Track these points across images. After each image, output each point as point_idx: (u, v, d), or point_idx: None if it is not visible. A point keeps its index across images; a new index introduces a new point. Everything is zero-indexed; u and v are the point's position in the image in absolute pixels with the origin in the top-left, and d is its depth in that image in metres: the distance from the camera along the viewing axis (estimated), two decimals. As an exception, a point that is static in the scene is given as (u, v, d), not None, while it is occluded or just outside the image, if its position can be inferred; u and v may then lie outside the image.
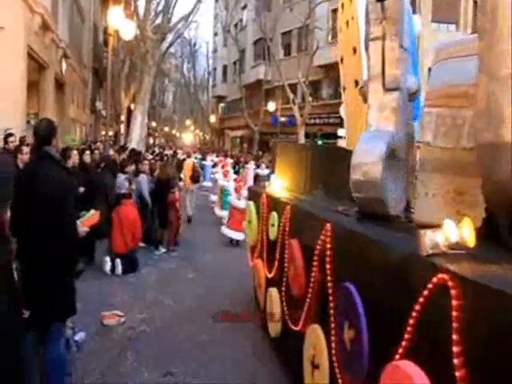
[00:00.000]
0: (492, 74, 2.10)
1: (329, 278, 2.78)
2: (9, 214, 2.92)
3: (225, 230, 9.46)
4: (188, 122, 62.81)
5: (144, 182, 8.29)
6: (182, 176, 12.52)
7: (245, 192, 8.81)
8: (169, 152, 22.77)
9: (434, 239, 1.81)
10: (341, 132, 14.80)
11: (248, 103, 32.95)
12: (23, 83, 11.85)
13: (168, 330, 4.91)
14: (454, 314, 1.54)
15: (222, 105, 45.96)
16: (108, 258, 6.86)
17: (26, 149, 5.93)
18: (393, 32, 3.06)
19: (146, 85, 17.02)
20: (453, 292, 1.57)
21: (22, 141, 7.71)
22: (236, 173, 15.95)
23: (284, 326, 3.93)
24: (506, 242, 2.16)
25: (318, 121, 26.38)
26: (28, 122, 12.42)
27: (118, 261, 6.80)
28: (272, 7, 31.66)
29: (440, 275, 1.65)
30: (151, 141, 46.41)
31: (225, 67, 43.90)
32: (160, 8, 19.83)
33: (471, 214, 2.34)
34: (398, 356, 1.84)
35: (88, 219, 3.57)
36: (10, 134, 7.22)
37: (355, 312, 2.26)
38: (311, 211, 3.47)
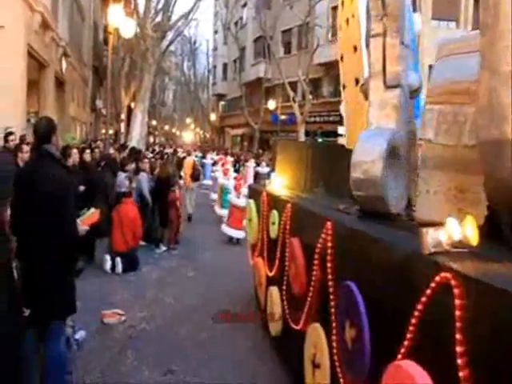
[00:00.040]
0: (494, 70, 2.08)
1: (330, 276, 2.77)
2: (9, 212, 2.91)
3: (225, 229, 9.46)
4: (188, 121, 62.78)
5: (144, 180, 8.28)
6: (182, 174, 12.50)
7: (244, 190, 8.80)
8: (169, 150, 22.74)
9: (436, 237, 1.79)
10: (341, 130, 14.76)
11: (248, 101, 32.92)
12: (23, 82, 11.84)
13: (168, 329, 4.91)
14: (458, 313, 1.52)
15: (222, 103, 45.92)
16: (108, 257, 6.85)
17: (26, 147, 5.92)
18: (394, 29, 3.04)
19: (146, 83, 16.98)
20: (456, 291, 1.55)
21: (22, 139, 7.71)
22: (236, 171, 15.93)
23: (285, 324, 3.92)
24: (509, 240, 2.14)
25: (318, 119, 26.37)
26: (28, 120, 12.41)
27: (119, 259, 6.80)
28: (272, 5, 31.62)
29: (443, 274, 1.63)
30: (151, 139, 46.45)
31: (225, 65, 43.85)
32: (160, 6, 19.77)
33: (473, 211, 2.32)
34: (400, 356, 1.82)
35: (88, 218, 3.55)
36: (11, 133, 7.22)
37: (356, 311, 2.24)
38: (312, 209, 3.45)
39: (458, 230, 1.78)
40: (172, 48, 32.78)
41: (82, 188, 6.34)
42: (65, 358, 3.35)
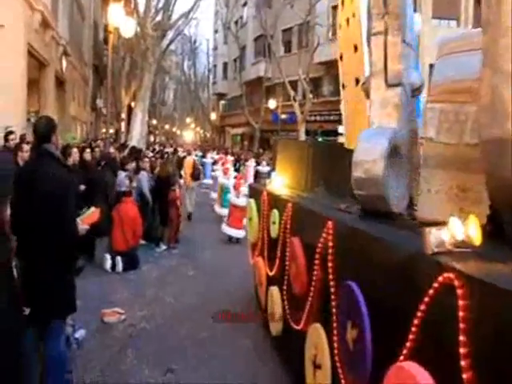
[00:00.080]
0: (496, 67, 2.06)
1: (331, 276, 2.75)
2: (9, 211, 2.91)
3: (225, 228, 9.44)
4: (188, 120, 62.76)
5: (144, 179, 8.27)
6: (182, 173, 12.50)
7: (244, 189, 8.80)
8: (169, 149, 22.73)
9: (439, 237, 1.77)
10: (341, 129, 14.74)
11: (248, 100, 32.90)
12: (23, 81, 11.83)
13: (168, 328, 4.90)
14: (461, 314, 1.50)
15: (222, 102, 45.89)
16: (108, 256, 6.85)
17: (26, 147, 5.91)
18: (395, 27, 3.02)
19: (146, 82, 16.97)
20: (459, 292, 1.53)
21: (23, 139, 7.70)
22: (236, 170, 15.92)
23: (285, 324, 3.90)
24: (511, 239, 2.12)
25: (318, 118, 26.35)
26: (28, 119, 12.39)
27: (119, 258, 6.80)
28: (272, 4, 31.56)
29: (446, 274, 1.61)
30: (152, 138, 46.41)
31: (225, 64, 43.81)
32: (160, 5, 19.75)
33: (475, 211, 2.30)
34: (402, 357, 1.80)
35: (88, 217, 3.54)
36: (11, 132, 7.22)
37: (358, 311, 2.22)
38: (313, 209, 3.44)
39: (461, 229, 1.76)
40: (172, 47, 32.77)
41: (82, 187, 6.33)
42: (65, 356, 3.34)
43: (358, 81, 4.78)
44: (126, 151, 10.84)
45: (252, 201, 5.36)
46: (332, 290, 2.72)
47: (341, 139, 15.01)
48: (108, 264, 6.78)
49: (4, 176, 2.64)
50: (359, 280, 2.34)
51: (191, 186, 12.16)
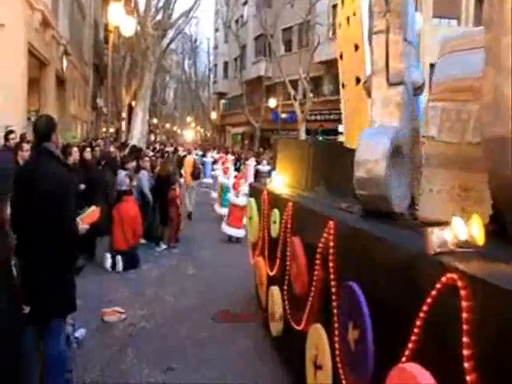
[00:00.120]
0: (499, 66, 2.05)
1: (332, 276, 2.73)
2: (9, 210, 2.90)
3: (225, 228, 9.43)
4: (189, 119, 62.75)
5: (145, 178, 8.26)
6: (182, 172, 12.49)
7: (244, 189, 8.79)
8: (170, 149, 22.72)
9: (441, 237, 1.75)
10: (341, 128, 14.70)
11: (249, 99, 32.90)
12: (24, 80, 11.82)
13: (169, 327, 4.89)
14: (464, 315, 1.48)
15: (222, 101, 45.87)
16: (109, 255, 6.85)
17: (26, 146, 5.90)
18: (397, 25, 3.00)
19: (146, 81, 16.95)
20: (462, 292, 1.51)
21: (23, 138, 7.68)
22: (237, 170, 15.90)
23: (286, 325, 3.88)
24: (514, 239, 2.11)
25: (318, 117, 26.34)
26: (29, 118, 12.38)
27: (119, 257, 6.79)
28: (273, 3, 31.54)
29: (449, 275, 1.59)
30: (152, 138, 46.42)
31: (226, 63, 43.79)
32: (160, 4, 19.71)
33: (477, 210, 2.28)
34: (404, 358, 1.79)
35: (88, 216, 3.53)
36: (11, 131, 7.22)
37: (359, 312, 2.21)
38: (314, 208, 3.42)
39: (463, 229, 1.74)
40: (173, 46, 32.76)
41: (82, 186, 6.32)
42: (65, 356, 3.33)
43: (358, 80, 4.76)
44: (127, 150, 10.83)
45: (252, 200, 5.34)
46: (333, 290, 2.70)
47: (341, 138, 14.98)
48: (108, 263, 6.78)
49: (4, 175, 2.63)
50: (361, 280, 2.33)
51: (191, 186, 12.16)
